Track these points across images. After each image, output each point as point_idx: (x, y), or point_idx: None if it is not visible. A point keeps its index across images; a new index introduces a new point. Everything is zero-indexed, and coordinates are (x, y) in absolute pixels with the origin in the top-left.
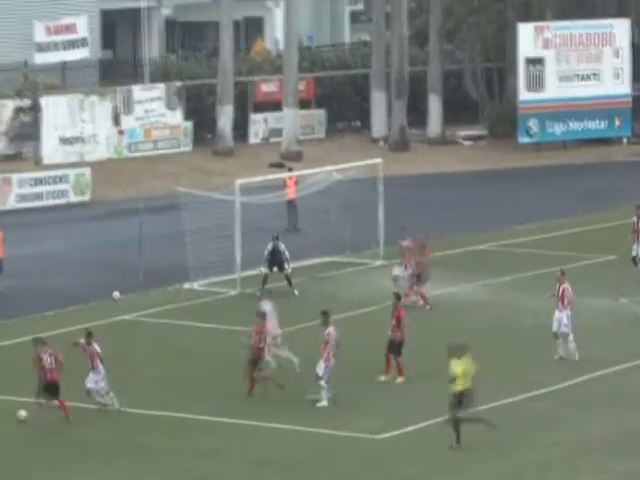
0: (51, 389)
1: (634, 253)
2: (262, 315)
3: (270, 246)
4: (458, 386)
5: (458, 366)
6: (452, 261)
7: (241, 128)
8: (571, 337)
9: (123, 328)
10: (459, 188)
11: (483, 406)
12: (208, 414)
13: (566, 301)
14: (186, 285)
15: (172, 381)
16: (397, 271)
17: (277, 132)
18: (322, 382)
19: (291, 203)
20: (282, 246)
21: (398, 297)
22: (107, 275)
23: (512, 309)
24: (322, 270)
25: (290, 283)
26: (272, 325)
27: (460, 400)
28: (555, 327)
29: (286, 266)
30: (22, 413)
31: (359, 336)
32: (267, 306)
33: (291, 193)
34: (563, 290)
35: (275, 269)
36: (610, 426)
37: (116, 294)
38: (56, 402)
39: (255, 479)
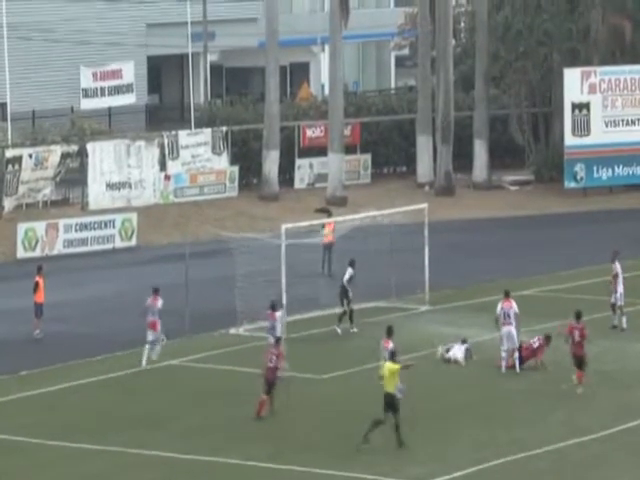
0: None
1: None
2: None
3: (351, 272)
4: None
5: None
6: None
7: (287, 173)
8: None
9: (169, 372)
10: (505, 233)
11: (529, 452)
12: (252, 459)
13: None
14: (232, 330)
15: (215, 425)
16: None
17: (322, 177)
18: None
19: (328, 248)
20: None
21: (578, 316)
22: None
23: (560, 352)
24: (368, 315)
25: (352, 319)
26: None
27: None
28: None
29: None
30: None
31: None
32: None
33: (329, 238)
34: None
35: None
36: None
37: (163, 338)
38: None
39: None
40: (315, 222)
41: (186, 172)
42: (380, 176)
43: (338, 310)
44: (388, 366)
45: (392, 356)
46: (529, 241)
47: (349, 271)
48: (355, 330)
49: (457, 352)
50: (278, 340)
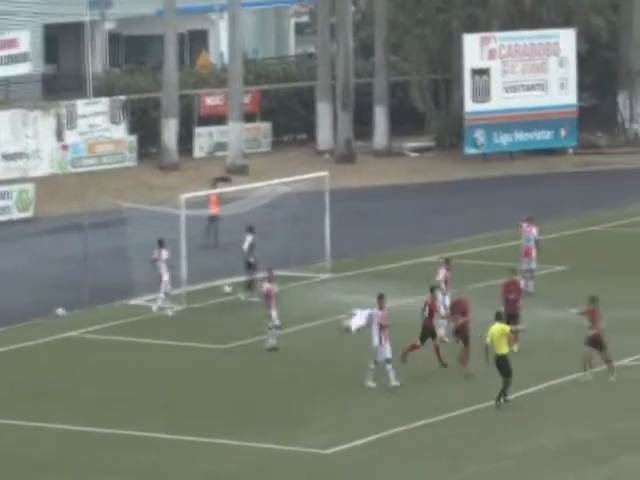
0: None
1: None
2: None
3: (250, 239)
4: None
5: None
6: (399, 274)
7: (186, 142)
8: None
9: (68, 345)
10: (406, 200)
11: (432, 419)
12: (151, 430)
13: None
14: (132, 301)
15: (115, 397)
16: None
17: (222, 146)
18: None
19: (214, 220)
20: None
21: (593, 300)
22: (51, 292)
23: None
24: None
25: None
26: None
27: None
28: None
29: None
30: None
31: (304, 352)
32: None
33: (214, 209)
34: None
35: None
36: (559, 437)
37: (60, 311)
38: None
39: None
40: (215, 191)
41: (84, 142)
42: (280, 144)
43: (244, 279)
44: (498, 328)
45: (499, 317)
46: (430, 208)
47: (248, 238)
48: (257, 299)
49: (359, 320)
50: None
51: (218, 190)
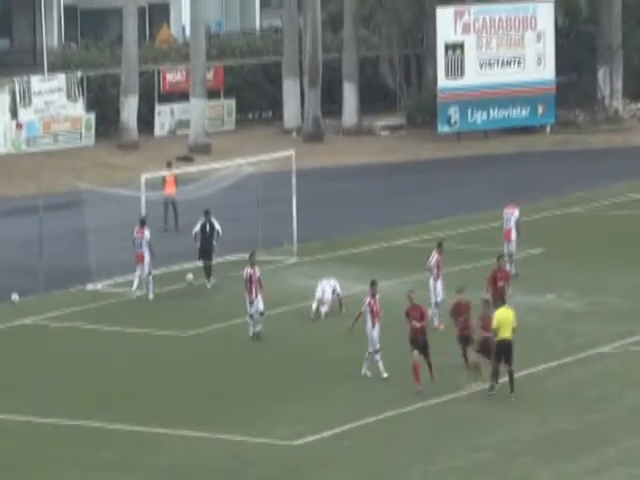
0: None
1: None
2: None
3: (201, 223)
4: None
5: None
6: (369, 257)
7: (146, 120)
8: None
9: (23, 332)
10: (376, 180)
11: (402, 409)
12: (114, 422)
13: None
14: (89, 286)
15: (73, 387)
16: None
17: (184, 124)
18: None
19: (170, 201)
20: (217, 224)
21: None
22: (5, 277)
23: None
24: (232, 269)
25: (209, 275)
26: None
27: None
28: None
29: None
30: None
31: (271, 340)
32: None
33: (170, 190)
34: (439, 261)
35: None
36: (536, 428)
37: (15, 297)
38: None
39: None
40: (176, 172)
41: (39, 120)
42: (245, 122)
43: (201, 264)
44: (505, 312)
45: (503, 300)
46: (401, 188)
47: (200, 222)
48: (210, 285)
49: (326, 291)
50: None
51: (179, 171)
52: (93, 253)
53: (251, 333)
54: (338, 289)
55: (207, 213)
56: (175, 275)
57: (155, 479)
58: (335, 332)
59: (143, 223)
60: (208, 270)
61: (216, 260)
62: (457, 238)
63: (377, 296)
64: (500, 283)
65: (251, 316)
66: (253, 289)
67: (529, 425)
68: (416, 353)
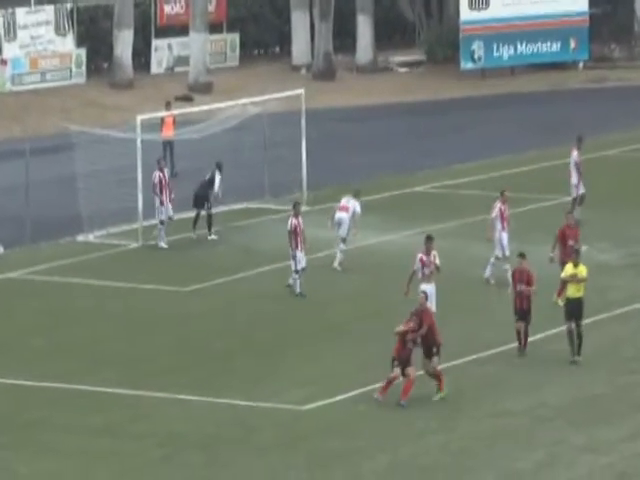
0: None
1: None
2: None
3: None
4: None
5: None
6: (387, 206)
7: (142, 56)
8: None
9: (8, 287)
10: (393, 122)
11: (422, 371)
12: (107, 385)
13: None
14: (80, 237)
15: (64, 348)
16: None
17: (183, 60)
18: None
19: (168, 144)
20: (218, 180)
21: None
22: None
23: (458, 260)
24: (237, 218)
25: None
26: None
27: None
28: (502, 251)
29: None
30: None
31: (276, 294)
32: None
33: (168, 133)
34: (503, 211)
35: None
36: (568, 391)
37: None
38: None
39: (164, 459)
40: (175, 112)
41: (25, 56)
42: (250, 58)
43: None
44: (580, 269)
45: (578, 256)
46: (420, 131)
47: (217, 177)
48: (213, 237)
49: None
50: None
51: (178, 111)
52: (84, 201)
53: (298, 291)
54: (358, 210)
55: (218, 165)
56: (174, 225)
57: (150, 446)
58: (346, 285)
59: (161, 165)
60: (209, 220)
61: (219, 209)
62: (482, 184)
63: (433, 252)
64: (570, 242)
65: (297, 272)
66: (298, 242)
67: (560, 387)
68: (398, 370)
